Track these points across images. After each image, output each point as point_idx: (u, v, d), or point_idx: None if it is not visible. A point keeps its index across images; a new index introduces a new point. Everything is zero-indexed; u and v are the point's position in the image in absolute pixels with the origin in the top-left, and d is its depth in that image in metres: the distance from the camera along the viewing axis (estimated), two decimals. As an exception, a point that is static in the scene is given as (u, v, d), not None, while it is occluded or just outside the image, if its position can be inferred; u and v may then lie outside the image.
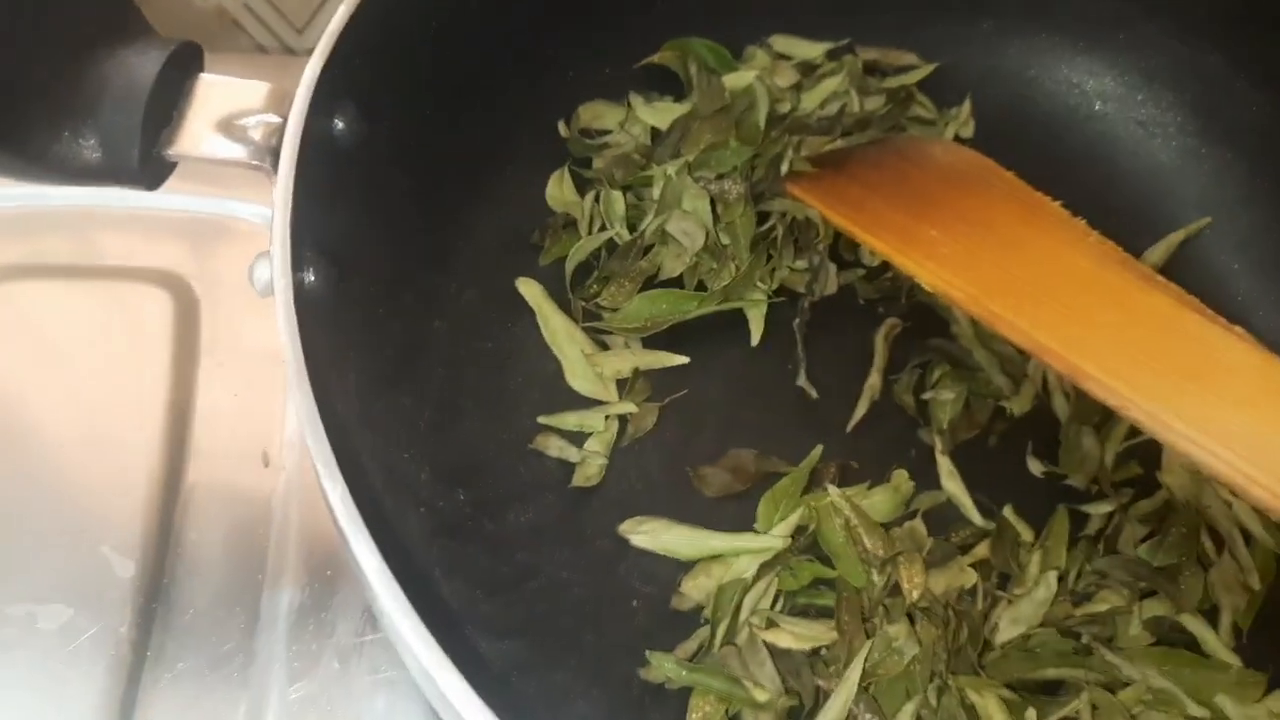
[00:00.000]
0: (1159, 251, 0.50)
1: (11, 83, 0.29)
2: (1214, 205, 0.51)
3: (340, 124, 0.36)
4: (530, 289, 0.46)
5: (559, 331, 0.46)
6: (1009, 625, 0.40)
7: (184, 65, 0.33)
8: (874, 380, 0.47)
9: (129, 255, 0.53)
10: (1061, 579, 0.41)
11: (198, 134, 0.33)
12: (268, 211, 0.36)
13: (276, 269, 0.31)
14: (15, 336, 0.50)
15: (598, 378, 0.45)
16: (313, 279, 0.33)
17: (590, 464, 0.43)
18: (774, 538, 0.41)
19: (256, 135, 0.33)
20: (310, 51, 0.70)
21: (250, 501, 0.47)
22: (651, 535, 0.41)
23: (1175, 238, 0.50)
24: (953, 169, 0.49)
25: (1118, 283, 0.43)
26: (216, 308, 0.52)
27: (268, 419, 0.49)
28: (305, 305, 0.31)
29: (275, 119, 0.33)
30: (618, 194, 0.48)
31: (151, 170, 0.32)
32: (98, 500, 0.46)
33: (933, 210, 0.46)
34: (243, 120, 0.33)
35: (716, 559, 0.41)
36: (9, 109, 0.29)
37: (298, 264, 0.32)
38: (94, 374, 0.50)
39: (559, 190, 0.49)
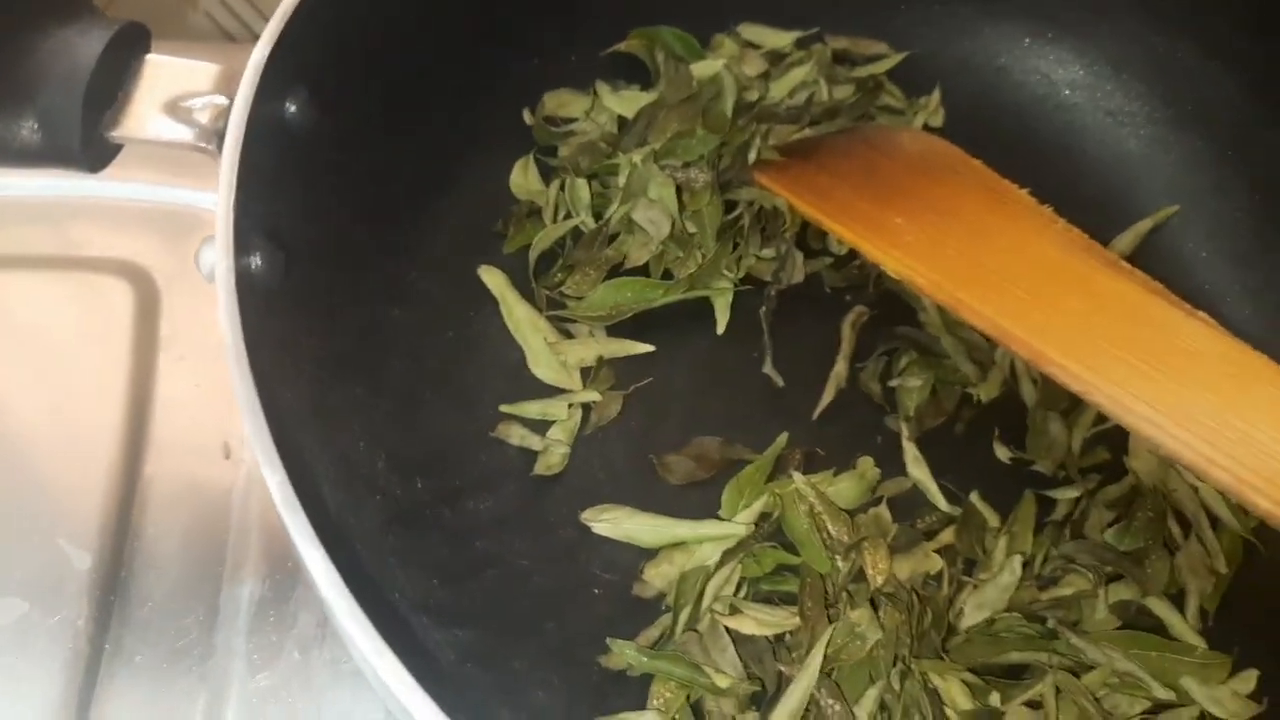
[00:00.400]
0: (1127, 239, 0.50)
1: (-53, 62, 0.29)
2: (1182, 193, 0.51)
3: (292, 108, 0.35)
4: (493, 277, 0.46)
5: (522, 320, 0.45)
6: (974, 610, 0.40)
7: (129, 45, 0.33)
8: (840, 368, 0.46)
9: (90, 245, 0.53)
10: (1027, 564, 0.41)
11: (142, 116, 0.32)
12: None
13: (219, 252, 0.30)
14: (-29, 329, 0.50)
15: (561, 366, 0.44)
16: (259, 263, 0.32)
17: (553, 452, 0.43)
18: (737, 525, 0.41)
19: (204, 118, 0.33)
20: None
21: (210, 493, 0.47)
22: (613, 523, 0.41)
23: (1143, 226, 0.50)
24: (921, 158, 0.49)
25: (1083, 269, 0.43)
26: (178, 299, 0.51)
27: (229, 411, 0.49)
28: (249, 291, 0.31)
29: (223, 100, 0.33)
30: (583, 182, 0.47)
31: (94, 152, 0.32)
32: (55, 491, 0.46)
33: (900, 198, 0.45)
34: (189, 102, 0.33)
35: (679, 546, 0.41)
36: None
37: (242, 249, 0.31)
38: (52, 364, 0.49)
39: (523, 178, 0.48)
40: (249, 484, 0.47)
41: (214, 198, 0.53)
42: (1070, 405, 0.45)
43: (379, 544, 0.36)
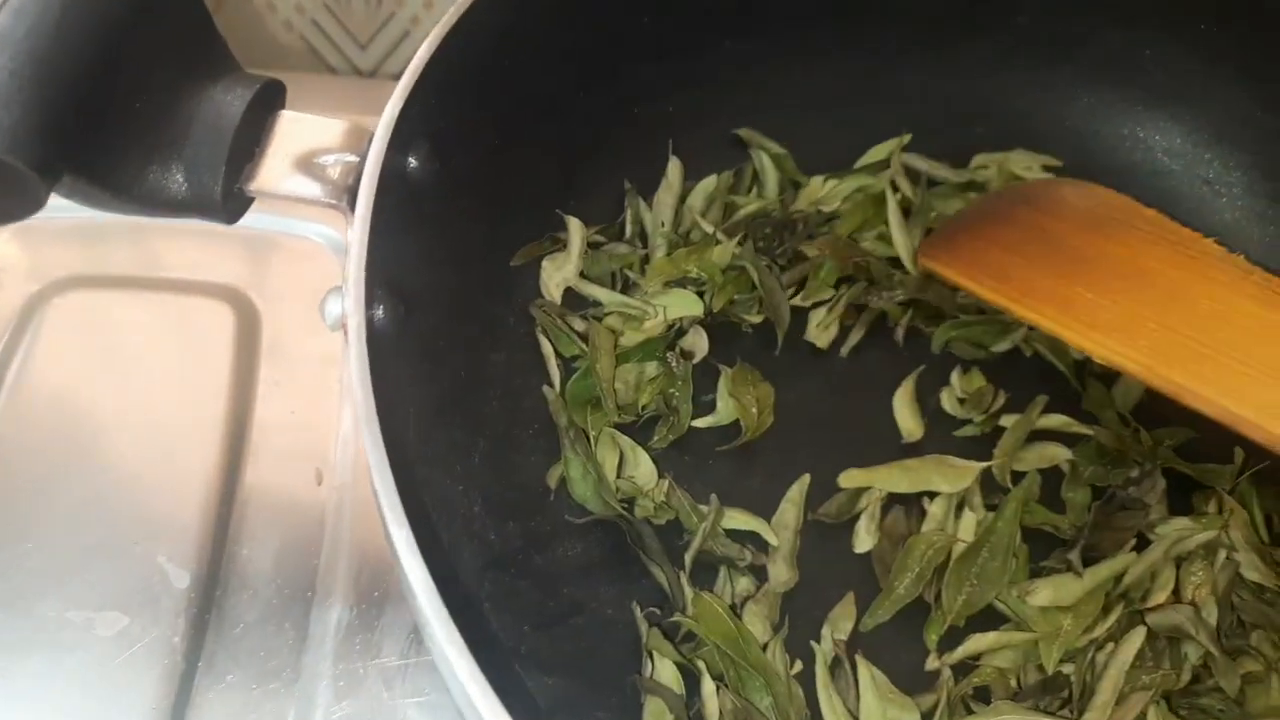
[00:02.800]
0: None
1: (104, 117, 0.30)
2: (1275, 268, 0.50)
3: (414, 161, 0.37)
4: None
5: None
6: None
7: (267, 102, 0.34)
8: None
9: (193, 268, 0.54)
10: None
11: (278, 171, 0.34)
12: (329, 231, 0.37)
13: (350, 310, 0.31)
14: (79, 346, 0.52)
15: None
16: (381, 316, 0.34)
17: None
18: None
19: (334, 174, 0.34)
20: (374, 70, 0.72)
21: (302, 518, 0.48)
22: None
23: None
24: (1091, 214, 0.47)
25: None
26: (277, 325, 0.53)
27: (322, 436, 0.50)
28: (373, 343, 0.32)
29: (352, 158, 0.34)
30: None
31: (232, 204, 0.33)
32: (156, 510, 0.48)
33: (1082, 268, 0.43)
34: (321, 159, 0.34)
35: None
36: (100, 142, 0.30)
37: (369, 302, 0.32)
38: (155, 385, 0.51)
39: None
40: (339, 510, 0.48)
41: (312, 225, 0.56)
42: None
43: (477, 589, 0.37)
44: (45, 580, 0.45)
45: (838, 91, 0.53)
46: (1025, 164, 0.53)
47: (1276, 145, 0.51)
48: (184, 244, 0.55)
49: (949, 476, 0.44)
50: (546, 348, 0.46)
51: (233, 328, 0.53)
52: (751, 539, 0.43)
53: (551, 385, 0.45)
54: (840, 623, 0.41)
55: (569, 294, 0.47)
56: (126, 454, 0.49)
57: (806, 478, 0.44)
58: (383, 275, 0.34)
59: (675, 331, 0.47)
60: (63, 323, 0.52)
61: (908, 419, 0.47)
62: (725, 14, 0.50)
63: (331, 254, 0.55)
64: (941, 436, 0.47)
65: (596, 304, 0.47)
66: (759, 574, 0.43)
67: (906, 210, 0.51)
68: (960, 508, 0.44)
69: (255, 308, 0.54)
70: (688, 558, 0.42)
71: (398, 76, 0.63)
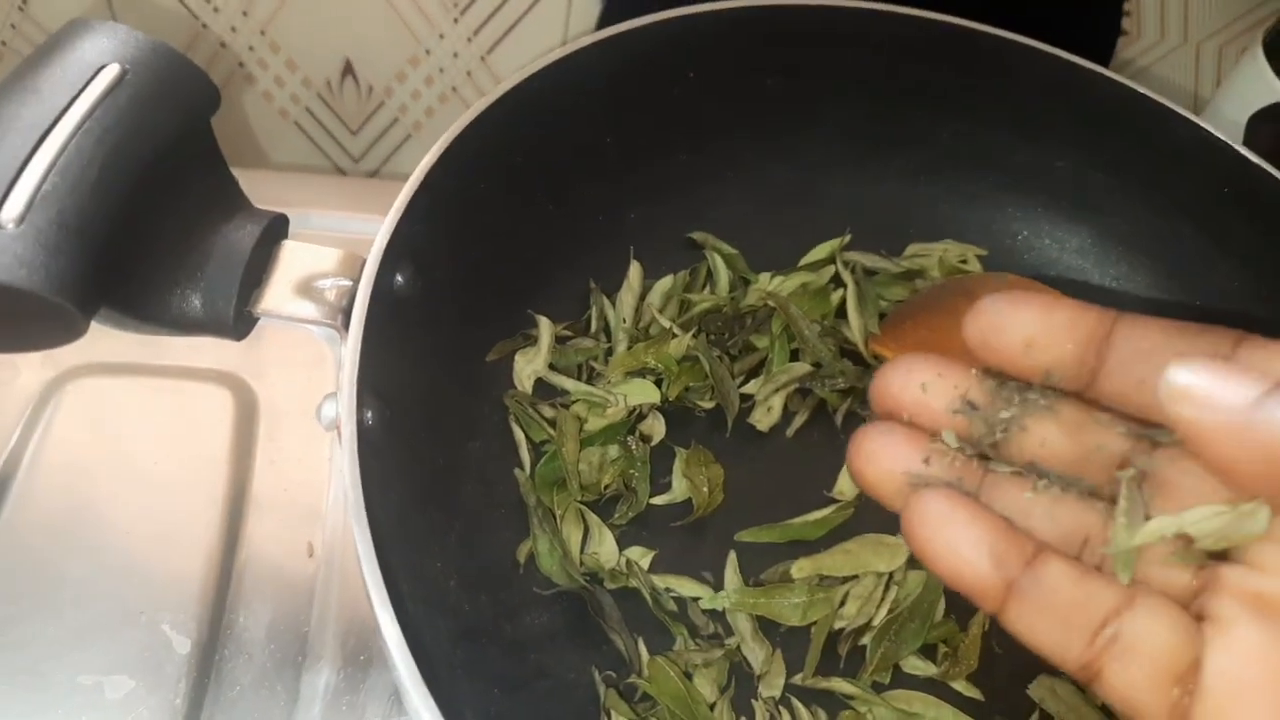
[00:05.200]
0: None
1: (134, 256, 0.35)
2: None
3: (400, 279, 0.42)
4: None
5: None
6: None
7: (273, 234, 0.39)
8: None
9: (194, 356, 0.59)
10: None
11: (281, 296, 0.39)
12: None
13: (344, 416, 0.36)
14: (87, 429, 0.56)
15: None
16: (370, 419, 0.38)
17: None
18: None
19: (330, 296, 0.39)
20: (362, 157, 0.77)
21: (294, 588, 0.53)
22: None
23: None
24: None
25: None
26: (271, 407, 0.58)
27: (312, 512, 0.55)
28: (363, 443, 0.37)
29: (347, 282, 0.39)
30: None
31: (241, 324, 0.38)
32: (160, 581, 0.52)
33: None
34: (319, 283, 0.39)
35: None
36: (131, 278, 0.35)
37: (360, 408, 0.37)
38: (159, 465, 0.55)
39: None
40: (328, 581, 0.53)
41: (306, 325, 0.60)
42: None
43: (452, 656, 0.42)
44: (59, 648, 0.49)
45: (781, 198, 0.58)
46: (957, 254, 0.59)
47: (1172, 247, 0.56)
48: (191, 337, 0.60)
49: (884, 556, 0.49)
50: (518, 434, 0.51)
51: (231, 411, 0.57)
52: (718, 615, 0.48)
53: (522, 468, 0.50)
54: (772, 679, 0.46)
55: (539, 385, 0.52)
56: (132, 530, 0.53)
57: (732, 554, 0.49)
58: (372, 383, 0.39)
59: (635, 417, 0.52)
60: (74, 407, 0.57)
61: (849, 485, 0.52)
62: (678, 133, 0.55)
63: (324, 343, 0.60)
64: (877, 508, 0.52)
65: (564, 393, 0.52)
66: (715, 641, 0.47)
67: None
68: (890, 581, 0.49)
69: (253, 392, 0.58)
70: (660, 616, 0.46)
71: (379, 170, 0.69)
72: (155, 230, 0.36)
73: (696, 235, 0.58)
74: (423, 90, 0.73)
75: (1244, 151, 0.52)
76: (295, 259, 0.39)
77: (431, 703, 0.33)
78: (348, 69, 0.71)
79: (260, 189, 0.41)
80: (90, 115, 0.34)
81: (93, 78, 0.34)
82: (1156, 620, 0.25)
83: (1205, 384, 0.23)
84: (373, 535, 0.35)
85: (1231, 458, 0.23)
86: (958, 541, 0.27)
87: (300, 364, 0.59)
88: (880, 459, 0.29)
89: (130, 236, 0.35)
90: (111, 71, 0.35)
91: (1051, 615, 0.26)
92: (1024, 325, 0.27)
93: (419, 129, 0.76)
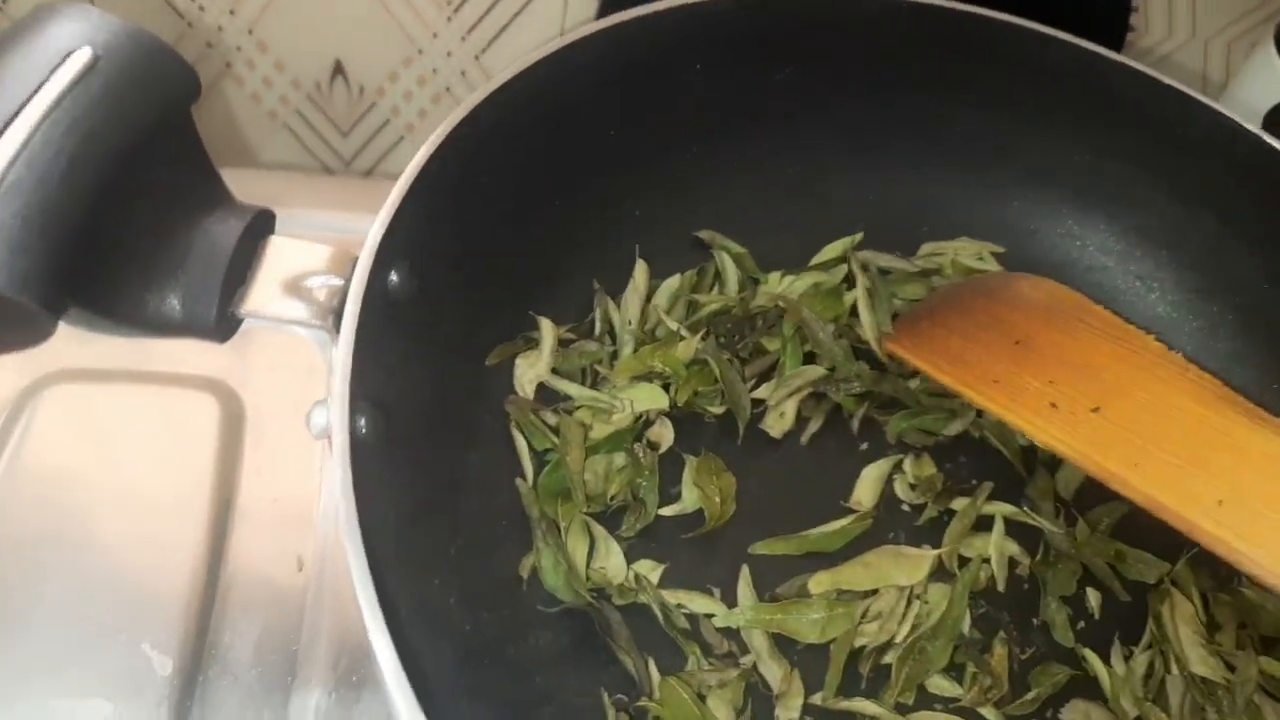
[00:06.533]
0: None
1: (107, 253, 0.33)
2: (1208, 358, 0.54)
3: (395, 279, 0.39)
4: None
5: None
6: None
7: (259, 230, 0.37)
8: None
9: (178, 361, 0.57)
10: None
11: (267, 295, 0.36)
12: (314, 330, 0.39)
13: (335, 424, 0.34)
14: (69, 437, 0.54)
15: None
16: (363, 427, 0.36)
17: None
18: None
19: (320, 296, 0.36)
20: (353, 160, 0.75)
21: (283, 604, 0.50)
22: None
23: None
24: (1045, 307, 0.50)
25: (1223, 423, 0.42)
26: (259, 414, 0.55)
27: (302, 525, 0.52)
28: (356, 453, 0.34)
29: (338, 281, 0.37)
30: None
31: (224, 326, 0.36)
32: (141, 598, 0.49)
33: (1033, 357, 0.46)
34: (308, 282, 0.37)
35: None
36: (103, 277, 0.33)
37: (353, 415, 0.35)
38: (141, 476, 0.53)
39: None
40: (319, 596, 0.50)
41: (294, 327, 0.58)
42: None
43: (451, 682, 0.39)
44: (31, 669, 0.46)
45: (791, 194, 0.56)
46: (973, 251, 0.57)
47: (1193, 238, 0.54)
48: (169, 340, 0.57)
49: (905, 569, 0.46)
50: (520, 442, 0.48)
51: (217, 419, 0.55)
52: (732, 632, 0.45)
53: (524, 478, 0.48)
54: (790, 700, 0.43)
55: (541, 390, 0.50)
56: (112, 543, 0.50)
57: (745, 568, 0.47)
58: (365, 389, 0.36)
59: (642, 423, 0.50)
60: (53, 414, 0.54)
61: (867, 494, 0.50)
62: (684, 127, 0.53)
63: (314, 346, 0.58)
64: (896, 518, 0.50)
65: (567, 398, 0.50)
66: (730, 660, 0.45)
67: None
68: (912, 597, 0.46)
69: (239, 400, 0.56)
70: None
71: (373, 169, 0.66)
72: (130, 225, 0.33)
73: (704, 234, 0.56)
74: (415, 91, 0.71)
75: (1267, 138, 0.50)
76: (282, 256, 0.37)
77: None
78: (338, 69, 0.69)
79: (244, 188, 0.39)
80: (59, 103, 0.31)
81: (62, 63, 0.32)
82: None
83: None
84: (366, 550, 0.32)
85: None
86: None
87: (289, 370, 0.57)
88: None
89: (102, 232, 0.32)
90: (83, 56, 0.32)
91: None
92: None
93: (412, 131, 0.74)
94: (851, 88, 0.55)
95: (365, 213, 0.39)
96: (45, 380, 0.55)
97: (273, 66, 0.68)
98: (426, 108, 0.72)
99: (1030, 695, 0.44)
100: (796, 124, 0.56)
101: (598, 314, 0.52)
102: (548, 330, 0.50)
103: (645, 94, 0.51)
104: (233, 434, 0.54)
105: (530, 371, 0.49)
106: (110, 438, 0.54)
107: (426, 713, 0.31)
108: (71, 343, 0.56)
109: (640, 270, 0.53)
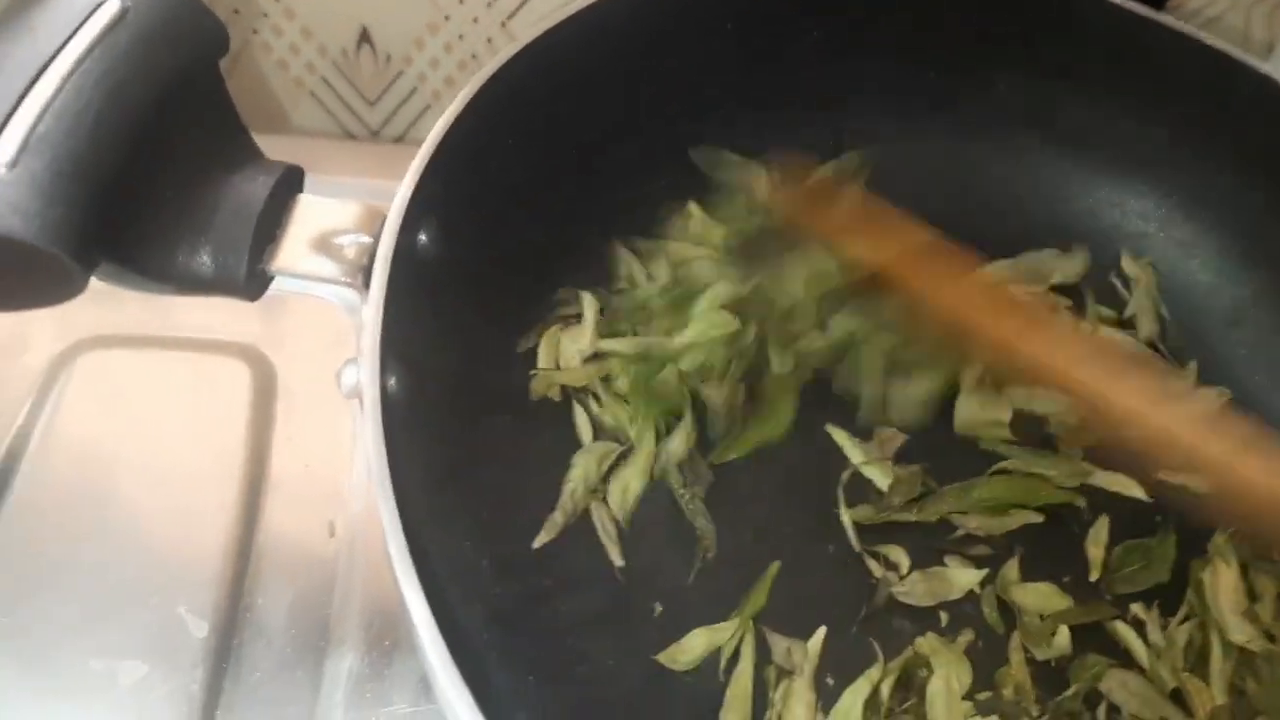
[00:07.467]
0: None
1: (137, 207, 0.33)
2: (1248, 327, 0.52)
3: (424, 238, 0.39)
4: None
5: None
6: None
7: (288, 187, 0.36)
8: None
9: (209, 327, 0.57)
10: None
11: (296, 252, 0.36)
12: (345, 291, 0.39)
13: (366, 382, 0.34)
14: (100, 404, 0.54)
15: None
16: (394, 386, 0.36)
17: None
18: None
19: (350, 254, 0.36)
20: (380, 128, 0.74)
21: (315, 569, 0.50)
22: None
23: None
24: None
25: None
26: (290, 380, 0.55)
27: (334, 490, 0.52)
28: (387, 412, 0.34)
29: (367, 239, 0.36)
30: None
31: (254, 283, 0.36)
32: (175, 562, 0.49)
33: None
34: (337, 239, 0.36)
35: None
36: (133, 230, 0.33)
37: (383, 373, 0.35)
38: (174, 442, 0.53)
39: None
40: (351, 561, 0.50)
41: (328, 286, 0.58)
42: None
43: (483, 642, 0.39)
44: (69, 631, 0.47)
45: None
46: None
47: (1239, 206, 0.53)
48: (201, 304, 0.56)
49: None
50: (580, 414, 0.48)
51: (249, 385, 0.55)
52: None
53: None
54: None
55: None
56: (146, 508, 0.51)
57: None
58: (396, 347, 0.36)
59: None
60: (86, 381, 0.54)
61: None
62: (713, 91, 0.52)
63: (344, 312, 0.57)
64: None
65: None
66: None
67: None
68: None
69: (271, 365, 0.56)
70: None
71: (401, 138, 0.66)
72: (159, 179, 0.33)
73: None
74: (442, 58, 0.70)
75: (1320, 102, 0.49)
76: (312, 213, 0.37)
77: (464, 689, 0.30)
78: (364, 36, 0.69)
79: (271, 153, 0.38)
80: (88, 55, 0.31)
81: (90, 15, 0.32)
82: None
83: None
84: (400, 510, 0.32)
85: None
86: None
87: (320, 336, 0.56)
88: None
89: (132, 185, 0.32)
90: (111, 8, 0.32)
91: None
92: None
93: (438, 99, 0.73)
94: (886, 48, 0.54)
95: (394, 178, 0.39)
96: (79, 347, 0.55)
97: (299, 33, 0.68)
98: (453, 75, 0.71)
99: (1070, 692, 0.43)
100: (829, 87, 0.55)
101: (624, 272, 0.52)
102: (589, 304, 0.49)
103: (674, 56, 0.51)
104: (265, 400, 0.55)
105: (574, 346, 0.49)
106: (143, 403, 0.54)
107: (459, 666, 0.31)
108: (104, 309, 0.58)
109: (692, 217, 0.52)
